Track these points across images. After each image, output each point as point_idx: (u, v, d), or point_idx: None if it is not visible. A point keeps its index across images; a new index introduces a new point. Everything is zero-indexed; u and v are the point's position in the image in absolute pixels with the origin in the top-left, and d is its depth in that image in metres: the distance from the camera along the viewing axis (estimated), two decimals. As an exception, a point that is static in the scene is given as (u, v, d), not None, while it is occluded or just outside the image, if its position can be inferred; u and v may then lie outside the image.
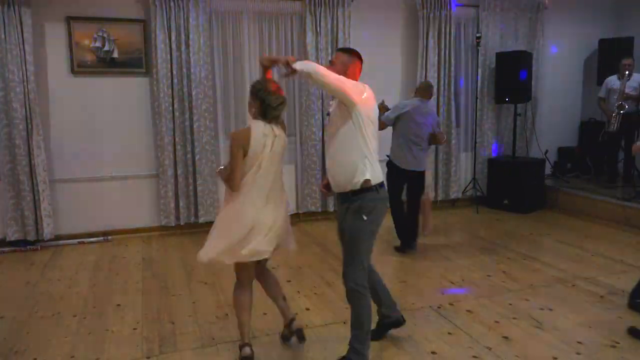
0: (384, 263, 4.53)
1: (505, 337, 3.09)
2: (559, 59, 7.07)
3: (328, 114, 2.79)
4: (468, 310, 3.49)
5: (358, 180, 2.57)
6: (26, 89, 4.84)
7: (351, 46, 5.87)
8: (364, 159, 2.57)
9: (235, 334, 3.18)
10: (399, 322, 3.06)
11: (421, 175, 4.67)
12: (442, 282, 4.02)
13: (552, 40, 6.97)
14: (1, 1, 4.66)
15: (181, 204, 5.47)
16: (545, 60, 6.95)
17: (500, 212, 6.33)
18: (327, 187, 2.86)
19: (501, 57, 6.45)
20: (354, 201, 2.61)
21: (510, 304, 3.57)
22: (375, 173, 2.62)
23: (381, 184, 2.67)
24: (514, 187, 6.35)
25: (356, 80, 2.68)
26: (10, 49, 4.75)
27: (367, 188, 2.58)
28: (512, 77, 6.29)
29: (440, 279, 4.09)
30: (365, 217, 2.58)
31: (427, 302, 3.65)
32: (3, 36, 4.73)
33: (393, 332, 3.18)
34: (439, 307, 3.55)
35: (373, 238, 2.67)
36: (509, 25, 6.66)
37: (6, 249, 4.98)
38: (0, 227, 5.03)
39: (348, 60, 2.69)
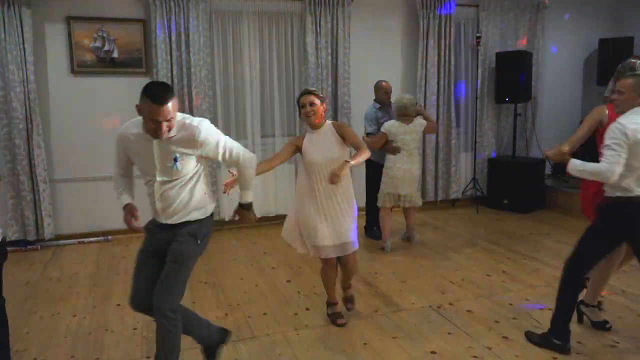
0: (384, 263, 4.54)
1: (505, 337, 3.09)
2: (559, 59, 7.07)
3: None
4: (468, 310, 3.49)
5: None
6: (26, 89, 4.84)
7: (351, 46, 5.91)
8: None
9: (234, 334, 3.18)
10: (224, 338, 2.77)
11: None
12: (442, 282, 4.02)
13: (552, 40, 6.97)
14: (1, 1, 4.67)
15: (181, 203, 5.45)
16: (545, 60, 6.95)
17: (500, 212, 6.33)
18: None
19: (501, 57, 6.45)
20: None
21: (510, 304, 3.57)
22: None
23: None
24: (514, 187, 6.34)
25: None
26: (10, 49, 4.75)
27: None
28: (512, 77, 6.29)
29: (440, 279, 4.09)
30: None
31: (427, 302, 3.65)
32: (3, 36, 4.73)
33: (392, 332, 3.19)
34: (439, 307, 3.55)
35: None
36: (508, 25, 6.66)
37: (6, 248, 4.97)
38: (1, 226, 5.01)
39: (141, 106, 2.31)
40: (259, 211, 5.87)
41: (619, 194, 2.66)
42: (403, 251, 4.84)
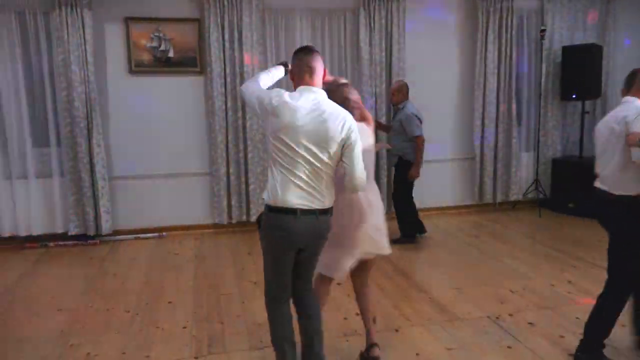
0: (438, 269, 4.35)
1: (571, 355, 2.85)
2: (633, 53, 6.56)
3: None
4: (529, 323, 3.26)
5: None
6: (87, 89, 5.01)
7: (405, 42, 5.73)
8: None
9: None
10: None
11: None
12: (500, 291, 3.79)
13: (624, 32, 6.49)
14: (65, 4, 4.84)
15: (233, 202, 5.50)
16: (617, 53, 6.48)
17: (566, 217, 5.96)
18: None
19: (568, 50, 6.06)
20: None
21: (577, 317, 3.30)
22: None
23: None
24: (581, 190, 5.94)
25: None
26: (72, 50, 4.92)
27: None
28: (580, 72, 5.90)
29: (498, 287, 3.86)
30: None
31: (484, 311, 3.44)
32: (66, 37, 4.90)
33: (446, 343, 3.02)
34: (497, 318, 3.34)
35: (268, 256, 2.35)
36: (576, 16, 6.25)
37: (68, 242, 5.18)
38: (63, 221, 5.23)
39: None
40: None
41: None
42: (458, 256, 4.63)
